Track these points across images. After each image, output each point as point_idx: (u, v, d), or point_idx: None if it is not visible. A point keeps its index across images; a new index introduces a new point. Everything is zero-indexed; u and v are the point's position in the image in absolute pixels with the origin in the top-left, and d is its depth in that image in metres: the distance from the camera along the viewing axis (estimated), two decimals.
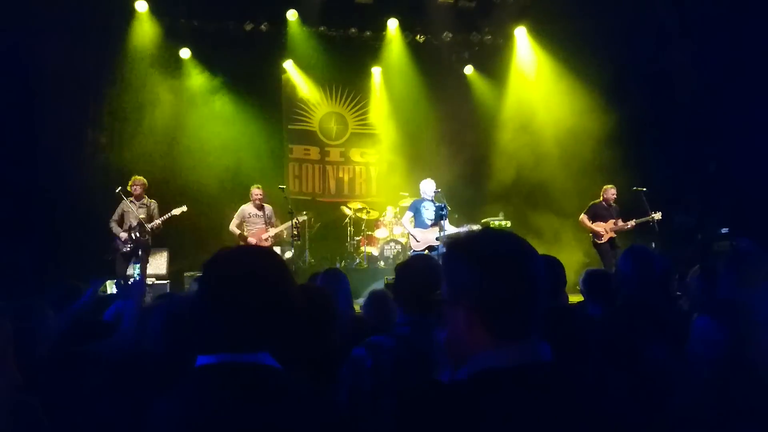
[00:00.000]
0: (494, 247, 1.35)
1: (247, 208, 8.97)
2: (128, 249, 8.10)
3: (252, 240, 8.81)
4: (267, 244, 8.86)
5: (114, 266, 8.06)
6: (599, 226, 8.88)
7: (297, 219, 8.75)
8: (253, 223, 8.94)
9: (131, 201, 8.21)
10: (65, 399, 2.32)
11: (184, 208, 8.38)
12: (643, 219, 8.70)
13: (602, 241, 8.86)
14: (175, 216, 8.36)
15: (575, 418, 1.23)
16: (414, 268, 2.32)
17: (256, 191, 8.95)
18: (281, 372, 1.50)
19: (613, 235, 8.87)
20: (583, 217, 9.04)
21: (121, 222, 8.21)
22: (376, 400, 2.01)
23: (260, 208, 8.98)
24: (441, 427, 1.22)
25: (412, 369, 2.04)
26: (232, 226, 8.88)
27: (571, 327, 2.12)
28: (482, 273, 1.31)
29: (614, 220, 8.87)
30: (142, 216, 8.12)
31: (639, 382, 2.07)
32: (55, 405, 2.28)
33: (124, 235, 8.07)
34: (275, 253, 1.65)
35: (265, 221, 8.98)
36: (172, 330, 2.18)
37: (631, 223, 8.79)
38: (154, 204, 8.40)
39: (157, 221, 8.22)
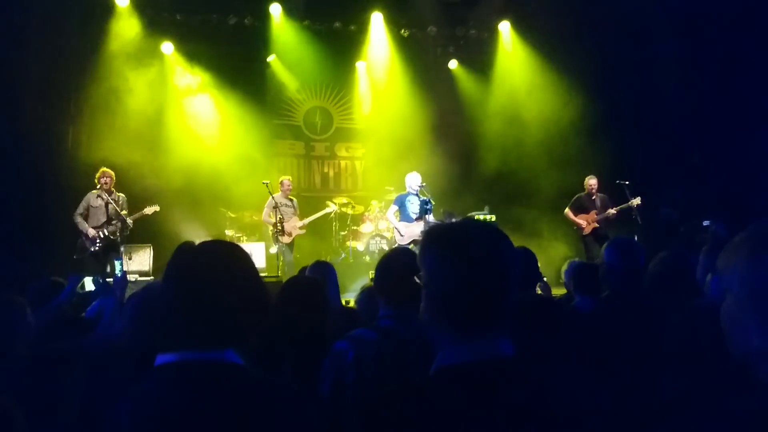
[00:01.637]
0: (463, 238, 1.34)
1: (278, 198, 9.03)
2: (97, 248, 7.79)
3: (287, 228, 8.92)
4: (302, 232, 9.10)
5: (83, 265, 7.66)
6: (582, 218, 8.94)
7: (281, 214, 8.72)
8: (284, 212, 9.00)
9: (98, 196, 7.88)
10: (45, 395, 2.29)
11: (156, 208, 8.18)
12: (623, 206, 8.72)
13: (586, 233, 8.91)
14: (147, 215, 8.12)
15: (527, 416, 1.22)
16: (395, 261, 2.30)
17: (287, 182, 9.14)
18: (246, 369, 1.46)
19: (597, 226, 8.89)
20: (567, 210, 9.09)
21: (86, 218, 7.85)
22: (358, 393, 1.99)
23: (290, 199, 9.13)
24: (401, 426, 1.22)
25: (394, 361, 2.03)
26: (265, 216, 9.07)
27: (551, 320, 2.12)
28: (446, 262, 1.31)
29: (596, 211, 8.91)
30: (111, 212, 7.83)
31: (624, 376, 2.07)
32: (35, 401, 2.26)
33: (92, 232, 7.74)
34: (239, 246, 1.62)
35: (294, 211, 9.15)
36: (145, 320, 2.15)
37: (612, 211, 8.81)
38: (123, 198, 8.09)
39: (129, 220, 7.92)
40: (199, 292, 1.44)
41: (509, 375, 1.27)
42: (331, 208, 9.89)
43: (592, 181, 9.02)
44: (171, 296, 1.48)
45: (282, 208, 8.95)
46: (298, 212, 9.29)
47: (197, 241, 1.58)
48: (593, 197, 9.03)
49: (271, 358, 2.28)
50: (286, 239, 8.92)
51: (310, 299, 2.37)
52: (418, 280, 1.38)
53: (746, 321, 1.10)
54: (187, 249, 1.54)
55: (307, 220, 9.21)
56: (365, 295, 3.42)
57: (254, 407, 1.39)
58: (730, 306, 1.16)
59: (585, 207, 9.00)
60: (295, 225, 9.05)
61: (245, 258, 1.56)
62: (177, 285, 1.48)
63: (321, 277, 2.91)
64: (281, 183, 9.20)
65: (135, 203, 8.25)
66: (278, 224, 8.76)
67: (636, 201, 8.66)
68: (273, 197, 8.98)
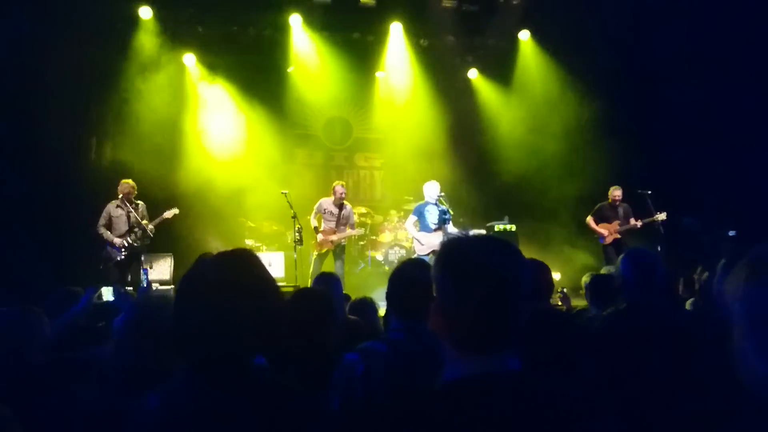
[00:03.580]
0: (471, 255, 1.33)
1: (325, 203, 8.79)
2: (122, 257, 7.90)
3: (320, 236, 8.68)
4: (330, 246, 8.69)
5: (107, 275, 7.77)
6: (603, 228, 8.85)
7: (299, 224, 8.66)
8: (327, 220, 8.76)
9: (118, 206, 8.00)
10: (59, 404, 2.31)
11: (176, 211, 8.27)
12: (648, 219, 8.65)
13: (606, 243, 8.82)
14: (167, 219, 8.21)
15: (531, 430, 1.20)
16: (406, 274, 2.29)
17: (339, 188, 8.73)
18: (271, 372, 1.49)
19: (618, 236, 8.81)
20: (589, 218, 9.03)
21: (109, 227, 7.97)
22: (367, 406, 1.98)
23: (340, 207, 8.77)
24: None
25: (404, 375, 2.02)
26: (312, 219, 8.74)
27: (564, 332, 2.08)
28: (454, 279, 1.31)
29: (619, 221, 8.83)
30: (133, 220, 7.96)
31: (634, 391, 2.03)
32: (50, 410, 2.28)
33: (118, 241, 7.86)
34: (255, 255, 1.63)
35: (339, 221, 8.76)
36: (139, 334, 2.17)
37: (637, 223, 8.72)
38: (142, 206, 8.21)
39: (150, 225, 8.03)
40: (220, 303, 1.46)
41: (514, 389, 1.26)
42: (359, 231, 9.61)
43: (617, 192, 8.94)
44: (191, 308, 1.50)
45: (326, 215, 8.73)
46: (351, 221, 8.88)
47: (215, 252, 1.61)
48: (616, 207, 8.95)
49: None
50: (315, 250, 8.71)
51: (315, 312, 2.36)
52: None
53: (748, 347, 1.09)
54: (206, 260, 1.56)
55: (340, 235, 8.76)
56: (351, 308, 3.42)
57: (282, 408, 1.42)
58: (735, 332, 1.15)
59: (607, 217, 8.93)
60: (328, 237, 8.67)
61: (260, 266, 1.59)
62: (196, 297, 1.50)
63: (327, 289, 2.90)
64: (333, 190, 8.77)
65: (156, 212, 8.32)
66: (317, 229, 8.58)
67: (661, 216, 8.57)
68: (320, 202, 8.80)
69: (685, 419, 1.75)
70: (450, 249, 1.38)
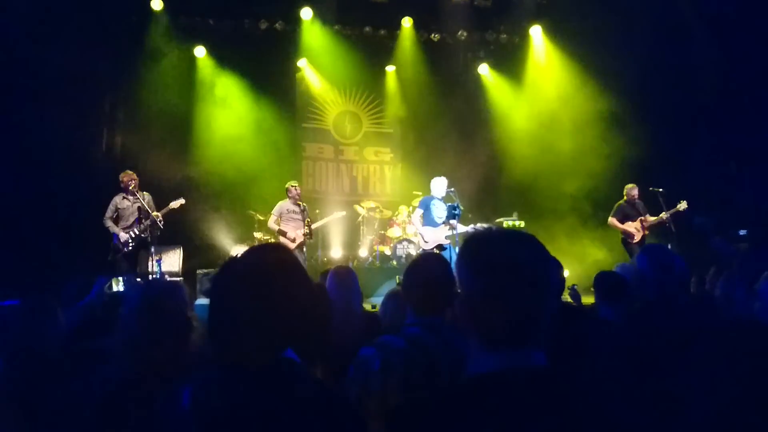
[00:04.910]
0: (498, 248, 1.31)
1: (285, 205, 8.99)
2: (130, 249, 7.89)
3: (291, 234, 8.85)
4: (302, 239, 8.88)
5: (116, 265, 7.75)
6: (630, 226, 8.79)
7: (309, 218, 8.68)
8: (291, 218, 8.95)
9: (124, 197, 8.00)
10: (74, 394, 2.31)
11: (182, 201, 8.25)
12: (673, 210, 8.57)
13: (636, 241, 8.74)
14: (175, 210, 8.18)
15: (558, 427, 1.18)
16: (423, 267, 2.27)
17: (294, 189, 9.00)
18: (302, 365, 1.49)
19: (646, 233, 8.76)
20: (612, 219, 8.93)
21: (116, 219, 7.99)
22: (384, 401, 1.96)
23: (298, 205, 8.99)
24: None
25: (422, 370, 1.99)
26: (271, 223, 8.97)
27: (578, 329, 2.05)
28: (480, 273, 1.28)
29: (642, 218, 8.78)
30: (139, 208, 7.95)
31: (657, 389, 2.00)
32: (64, 400, 2.28)
33: (124, 236, 7.86)
34: (288, 250, 1.62)
35: (303, 217, 8.99)
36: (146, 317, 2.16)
37: (663, 216, 8.64)
38: (148, 196, 8.17)
39: (159, 215, 7.96)
40: (256, 296, 1.45)
41: (543, 384, 1.24)
42: (340, 214, 9.76)
43: (635, 191, 8.91)
44: (227, 302, 1.49)
45: (290, 214, 8.93)
46: (308, 218, 9.10)
47: (250, 247, 1.62)
48: (635, 205, 8.90)
49: None
50: (290, 245, 8.75)
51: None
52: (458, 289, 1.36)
53: None
54: (241, 254, 1.56)
55: (314, 225, 9.05)
56: (389, 299, 3.37)
57: (312, 405, 1.42)
58: None
59: (629, 215, 8.87)
60: (299, 231, 8.89)
61: (294, 260, 1.59)
62: (232, 290, 1.50)
63: (341, 284, 2.86)
64: (287, 190, 9.06)
65: (165, 204, 8.29)
66: (282, 230, 8.82)
67: (682, 205, 8.52)
68: (279, 205, 8.99)
69: (709, 417, 1.72)
70: (475, 242, 1.35)
